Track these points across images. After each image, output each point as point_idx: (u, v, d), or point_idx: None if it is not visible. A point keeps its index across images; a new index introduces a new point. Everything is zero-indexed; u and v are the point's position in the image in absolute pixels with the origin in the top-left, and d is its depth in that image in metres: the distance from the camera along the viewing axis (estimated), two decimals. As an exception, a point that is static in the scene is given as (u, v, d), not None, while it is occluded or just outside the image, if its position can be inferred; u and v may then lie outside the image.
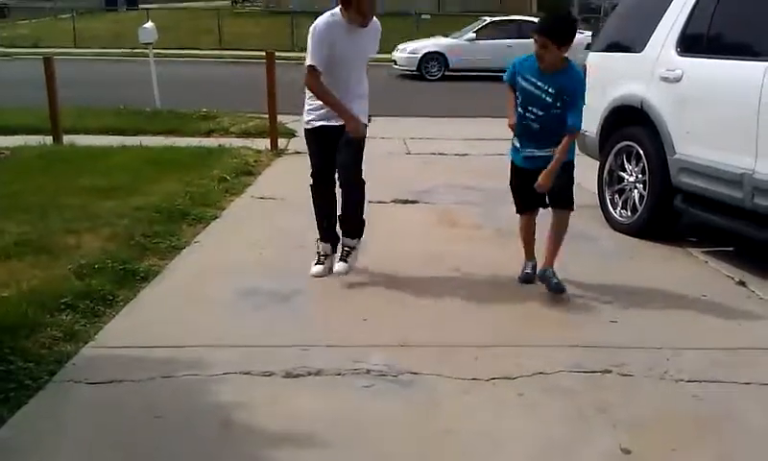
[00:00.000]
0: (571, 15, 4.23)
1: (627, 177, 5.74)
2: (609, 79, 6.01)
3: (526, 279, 4.47)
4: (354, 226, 4.66)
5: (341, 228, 4.68)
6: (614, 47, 6.17)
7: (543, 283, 4.30)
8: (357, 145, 4.43)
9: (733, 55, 4.78)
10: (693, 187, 5.06)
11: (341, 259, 4.60)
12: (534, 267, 4.47)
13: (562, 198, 4.24)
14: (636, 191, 5.62)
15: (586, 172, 6.59)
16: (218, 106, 11.37)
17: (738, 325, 4.00)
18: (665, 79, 5.27)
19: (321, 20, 4.26)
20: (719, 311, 4.17)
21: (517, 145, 4.32)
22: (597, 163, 6.12)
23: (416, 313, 4.07)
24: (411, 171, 7.91)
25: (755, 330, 3.93)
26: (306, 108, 4.49)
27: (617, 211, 5.80)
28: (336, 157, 4.44)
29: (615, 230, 5.71)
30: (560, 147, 4.08)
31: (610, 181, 5.93)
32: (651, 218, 5.43)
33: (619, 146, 5.80)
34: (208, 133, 9.94)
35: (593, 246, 5.34)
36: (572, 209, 4.28)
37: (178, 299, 4.22)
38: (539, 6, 32.56)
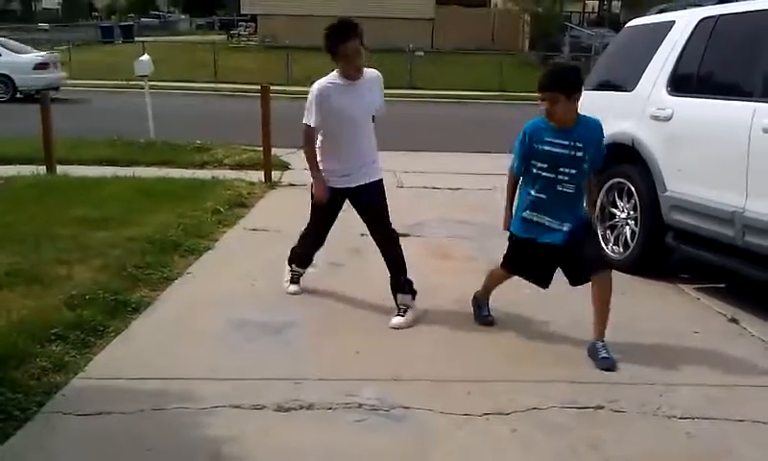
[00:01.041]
0: (574, 65, 4.05)
1: (618, 213, 5.78)
2: (600, 117, 6.06)
3: (487, 322, 4.35)
4: (405, 279, 4.52)
5: (394, 283, 4.52)
6: (606, 86, 6.25)
7: (591, 358, 3.88)
8: (380, 205, 4.53)
9: (723, 95, 4.86)
10: (684, 224, 5.10)
11: (398, 315, 4.42)
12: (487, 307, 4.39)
13: (598, 260, 3.93)
14: (627, 228, 5.66)
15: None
16: (212, 138, 11.42)
17: (731, 361, 4.00)
18: (656, 117, 5.34)
19: (318, 82, 4.34)
20: (712, 348, 4.17)
21: (543, 218, 3.93)
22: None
23: (408, 347, 4.06)
24: (404, 204, 7.92)
25: (747, 367, 3.93)
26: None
27: (609, 247, 5.83)
28: (363, 214, 4.58)
29: (607, 266, 5.73)
30: (592, 186, 4.15)
31: (601, 217, 5.97)
32: (643, 254, 5.45)
33: (611, 183, 5.85)
34: (202, 165, 9.96)
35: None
36: (612, 267, 4.02)
37: (169, 330, 4.20)
38: (530, 44, 33.01)
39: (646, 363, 3.92)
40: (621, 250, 5.69)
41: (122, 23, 42.78)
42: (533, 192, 3.94)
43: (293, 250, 4.92)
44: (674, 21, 5.53)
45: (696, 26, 5.24)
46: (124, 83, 21.67)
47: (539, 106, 3.85)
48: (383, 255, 4.58)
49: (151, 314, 4.42)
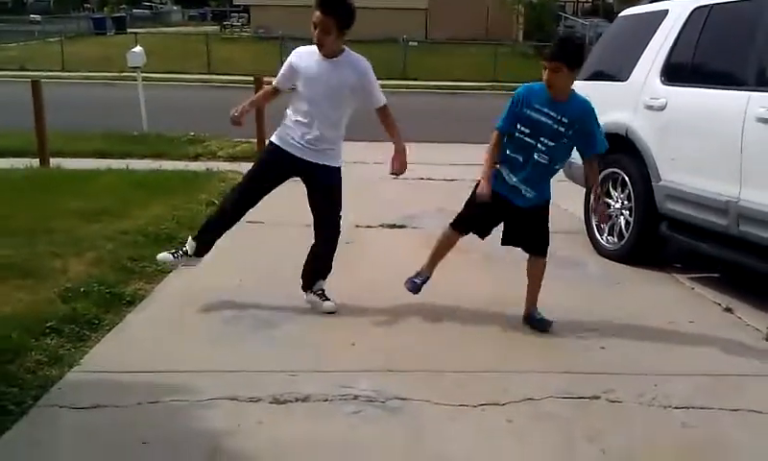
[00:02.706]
0: (581, 40, 4.08)
1: (613, 203, 5.79)
2: (594, 107, 6.06)
3: (414, 288, 4.30)
4: (326, 266, 4.55)
5: (312, 268, 4.53)
6: (599, 76, 6.24)
7: (531, 326, 4.22)
8: (333, 196, 4.38)
9: (717, 84, 4.86)
10: (679, 214, 5.11)
11: (325, 300, 4.44)
12: (426, 279, 4.31)
13: (539, 245, 4.20)
14: (622, 218, 5.67)
15: (573, 199, 6.65)
16: (206, 130, 11.38)
17: (726, 351, 4.01)
18: (650, 107, 5.34)
19: (299, 48, 4.33)
20: (706, 337, 4.19)
21: (510, 177, 4.05)
22: (584, 190, 6.16)
23: (404, 338, 4.06)
24: (399, 196, 7.92)
25: (742, 357, 3.94)
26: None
27: (604, 238, 5.84)
28: (309, 201, 4.39)
29: (602, 256, 5.75)
30: (591, 169, 4.18)
31: (596, 206, 5.97)
32: (637, 244, 5.47)
33: (605, 173, 5.84)
34: (196, 157, 9.94)
35: (581, 272, 5.36)
36: (546, 256, 4.23)
37: (164, 323, 4.19)
38: (524, 35, 32.97)
39: (641, 353, 3.93)
40: (616, 240, 5.70)
41: (114, 15, 42.52)
42: (509, 151, 4.04)
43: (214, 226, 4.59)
44: (667, 10, 5.53)
45: (690, 15, 5.24)
46: (117, 74, 21.60)
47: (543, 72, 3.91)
48: (313, 248, 4.50)
49: (146, 307, 4.41)
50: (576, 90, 6.45)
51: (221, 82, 22.96)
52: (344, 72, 4.17)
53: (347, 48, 4.25)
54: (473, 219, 4.22)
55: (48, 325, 3.86)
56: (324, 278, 4.56)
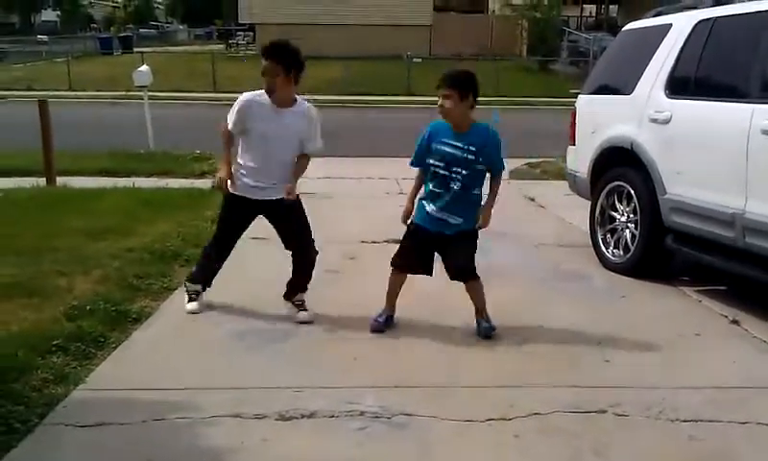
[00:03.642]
0: (471, 72, 4.31)
1: (618, 217, 5.78)
2: (598, 121, 6.08)
3: (376, 328, 4.33)
4: (306, 283, 4.65)
5: (292, 286, 4.65)
6: (604, 90, 6.26)
7: (480, 335, 4.29)
8: (299, 217, 4.49)
9: (721, 96, 4.85)
10: (684, 227, 5.09)
11: (302, 310, 4.55)
12: (389, 317, 4.39)
13: (466, 273, 4.28)
14: (627, 231, 5.65)
15: (578, 212, 6.65)
16: (211, 148, 11.40)
17: (733, 363, 3.99)
18: (654, 120, 5.34)
19: (246, 94, 4.43)
20: (713, 350, 4.16)
21: (434, 209, 4.20)
22: (588, 203, 6.16)
23: (409, 353, 4.06)
24: (404, 211, 7.91)
25: (750, 369, 3.92)
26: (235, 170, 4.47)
27: (610, 251, 5.82)
28: (279, 234, 4.56)
29: (608, 269, 5.73)
30: (492, 190, 4.29)
31: (601, 220, 5.97)
32: (643, 257, 5.45)
33: (610, 186, 5.85)
34: (202, 175, 9.97)
35: (586, 285, 5.35)
36: (478, 277, 4.29)
37: (170, 340, 4.20)
38: (528, 49, 33.05)
39: (648, 366, 3.91)
40: (622, 253, 5.68)
41: (121, 34, 42.85)
42: (432, 186, 4.23)
43: (195, 268, 4.78)
44: (671, 24, 5.54)
45: (693, 28, 5.24)
46: (123, 93, 21.72)
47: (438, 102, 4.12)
48: (293, 261, 4.61)
49: (151, 324, 4.41)
50: (581, 104, 6.52)
51: (227, 100, 23.03)
52: (296, 121, 4.35)
53: (298, 97, 4.39)
54: (407, 252, 4.34)
55: (54, 343, 3.87)
56: (305, 291, 4.63)
